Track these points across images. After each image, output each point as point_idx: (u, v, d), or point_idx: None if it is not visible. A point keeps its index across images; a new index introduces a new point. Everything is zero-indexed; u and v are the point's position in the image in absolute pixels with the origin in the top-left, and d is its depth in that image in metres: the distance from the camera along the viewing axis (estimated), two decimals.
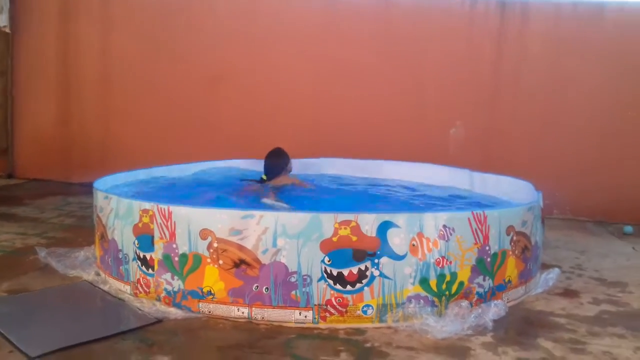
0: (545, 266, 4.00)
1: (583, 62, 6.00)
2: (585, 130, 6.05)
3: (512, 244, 3.33)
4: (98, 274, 3.66)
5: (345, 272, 2.95)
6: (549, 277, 3.75)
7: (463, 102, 6.36)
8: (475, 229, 3.12)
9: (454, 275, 3.08)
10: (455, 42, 6.33)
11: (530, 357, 2.70)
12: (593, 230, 5.62)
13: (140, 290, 3.27)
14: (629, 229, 5.50)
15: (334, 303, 2.97)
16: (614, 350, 2.79)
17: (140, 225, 3.24)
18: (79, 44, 7.42)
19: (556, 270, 3.85)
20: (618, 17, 5.94)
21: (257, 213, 3.00)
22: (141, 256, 3.24)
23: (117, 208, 3.39)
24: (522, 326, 3.08)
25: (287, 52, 6.80)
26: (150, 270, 3.20)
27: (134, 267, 3.29)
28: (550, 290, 3.66)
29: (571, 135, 6.08)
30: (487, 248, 3.17)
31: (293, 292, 2.96)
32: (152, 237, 3.17)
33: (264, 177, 4.61)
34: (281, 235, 2.95)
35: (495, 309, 3.09)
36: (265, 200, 4.15)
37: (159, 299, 3.18)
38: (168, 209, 3.13)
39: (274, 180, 4.56)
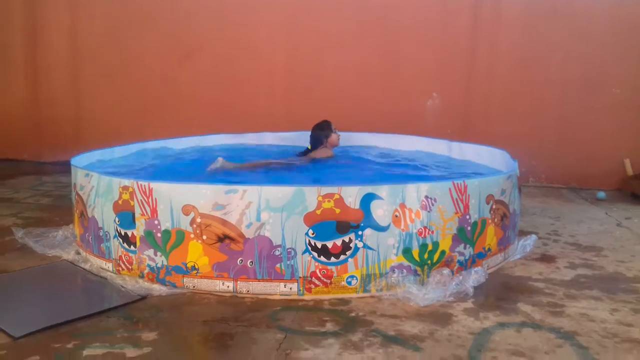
0: (523, 233, 4.09)
1: (560, 30, 6.03)
2: (561, 99, 6.12)
3: (492, 212, 3.38)
4: (78, 253, 3.62)
5: (329, 244, 2.97)
6: (527, 244, 3.83)
7: (439, 72, 6.36)
8: (456, 199, 3.16)
9: (435, 244, 3.12)
10: (431, 11, 6.30)
11: (510, 321, 2.77)
12: (567, 197, 5.73)
13: (123, 267, 3.25)
14: (601, 194, 5.63)
15: (319, 275, 2.99)
16: (590, 312, 2.88)
17: (120, 202, 3.20)
18: (46, 21, 7.22)
19: (533, 236, 3.93)
20: None
21: (240, 188, 2.98)
22: (122, 233, 3.21)
23: (98, 185, 3.34)
24: (501, 291, 3.16)
25: (261, 24, 6.71)
26: (132, 247, 3.18)
27: (116, 244, 3.26)
28: (528, 256, 3.75)
29: (547, 104, 6.15)
30: (468, 217, 3.22)
31: (278, 265, 2.98)
32: (133, 214, 3.14)
33: (309, 147, 4.82)
34: (265, 209, 2.95)
35: (475, 276, 3.16)
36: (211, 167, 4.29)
37: (142, 276, 3.17)
38: (149, 186, 3.09)
39: (314, 151, 4.74)
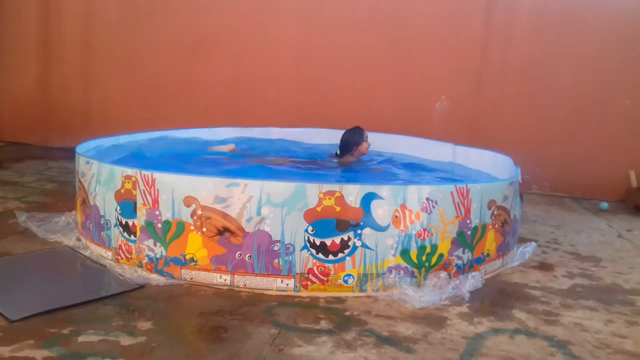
0: (523, 240, 4.08)
1: (574, 40, 6.00)
2: (569, 109, 6.08)
3: (493, 217, 3.38)
4: (79, 240, 3.65)
5: (328, 241, 2.98)
6: (526, 251, 3.82)
7: (449, 75, 6.34)
8: (458, 203, 3.17)
9: (434, 247, 3.13)
10: (444, 13, 6.28)
11: (504, 327, 2.77)
12: (570, 206, 5.72)
13: (122, 256, 3.27)
14: (604, 205, 5.61)
15: (316, 272, 3.01)
16: (585, 322, 2.88)
17: (122, 191, 3.22)
18: (59, 5, 7.24)
19: (533, 244, 3.93)
20: None
21: (241, 181, 3.00)
22: (123, 222, 3.23)
23: (99, 173, 3.36)
24: (497, 297, 3.16)
25: (272, 18, 6.71)
26: (132, 237, 3.20)
27: (116, 233, 3.28)
28: (527, 264, 3.74)
29: (555, 113, 6.11)
30: (468, 221, 3.22)
31: (276, 261, 2.99)
32: (135, 203, 3.16)
33: (338, 152, 4.65)
34: (266, 203, 2.96)
35: (472, 281, 3.16)
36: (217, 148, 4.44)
37: (140, 265, 3.19)
38: (151, 176, 3.11)
39: (343, 157, 4.60)
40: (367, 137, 4.60)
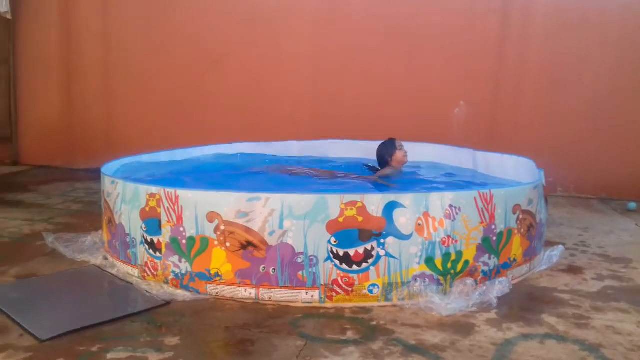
0: (549, 243, 4.02)
1: (592, 38, 5.92)
2: (591, 108, 6.00)
3: (518, 222, 3.34)
4: (106, 258, 3.70)
5: (352, 252, 2.97)
6: (553, 254, 3.77)
7: (467, 80, 6.31)
8: (482, 209, 3.14)
9: (459, 254, 3.10)
10: (458, 17, 6.27)
11: (534, 333, 2.73)
12: (597, 208, 5.62)
13: (148, 273, 3.31)
14: (632, 205, 5.50)
15: (340, 283, 3.00)
16: (617, 325, 2.82)
17: (147, 209, 3.26)
18: (79, 29, 7.41)
19: (560, 247, 3.87)
20: None
21: (263, 195, 3.01)
22: (149, 240, 3.27)
23: (124, 192, 3.42)
24: (526, 302, 3.11)
25: (287, 32, 6.77)
26: (157, 254, 3.23)
27: (142, 250, 3.32)
28: (554, 267, 3.68)
29: (577, 113, 6.04)
30: (493, 227, 3.19)
31: (300, 273, 2.99)
32: (160, 220, 3.20)
33: (378, 167, 4.67)
34: (288, 216, 2.97)
35: (499, 287, 3.12)
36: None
37: (166, 282, 3.22)
38: (175, 193, 3.15)
39: (382, 170, 4.61)
40: (401, 146, 4.58)
